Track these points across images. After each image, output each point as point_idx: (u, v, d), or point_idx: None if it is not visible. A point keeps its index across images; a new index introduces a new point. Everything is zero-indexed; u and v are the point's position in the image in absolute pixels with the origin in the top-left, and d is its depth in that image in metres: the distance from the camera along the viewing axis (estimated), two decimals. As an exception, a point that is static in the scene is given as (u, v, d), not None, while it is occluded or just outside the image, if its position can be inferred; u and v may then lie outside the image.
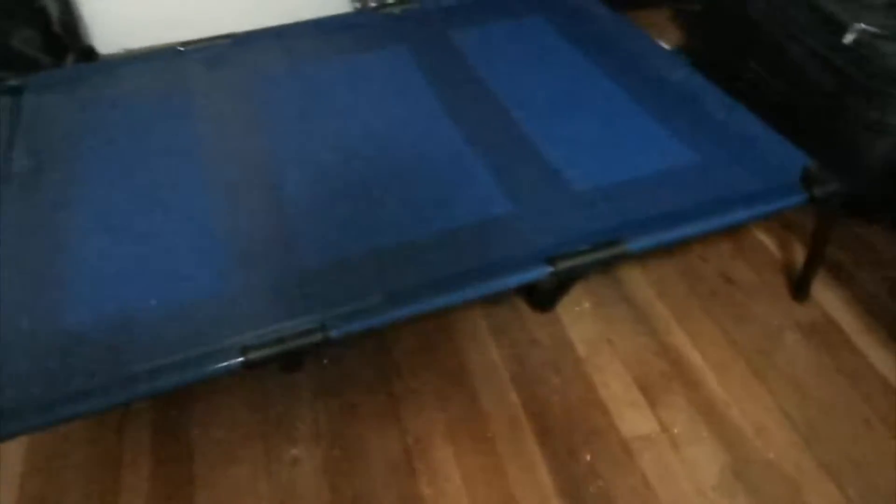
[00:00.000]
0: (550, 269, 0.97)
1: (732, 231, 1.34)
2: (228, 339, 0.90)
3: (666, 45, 1.75)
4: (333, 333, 0.90)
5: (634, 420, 1.06)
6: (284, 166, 1.20)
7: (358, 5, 1.61)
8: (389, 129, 1.28)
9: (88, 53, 1.89)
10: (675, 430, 1.04)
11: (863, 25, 1.26)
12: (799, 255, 1.28)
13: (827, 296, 1.23)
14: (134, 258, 1.04)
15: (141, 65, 1.50)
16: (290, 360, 0.93)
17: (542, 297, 1.17)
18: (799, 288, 1.22)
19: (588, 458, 1.02)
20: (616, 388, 1.10)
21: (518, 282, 0.97)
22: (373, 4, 1.61)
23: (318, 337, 0.90)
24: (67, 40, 1.77)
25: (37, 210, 1.13)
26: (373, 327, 0.93)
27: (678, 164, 1.15)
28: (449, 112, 1.30)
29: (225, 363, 0.87)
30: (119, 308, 0.96)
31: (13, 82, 1.42)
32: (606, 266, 1.03)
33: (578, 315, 1.21)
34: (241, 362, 0.87)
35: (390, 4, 1.61)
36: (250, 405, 1.09)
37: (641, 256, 1.26)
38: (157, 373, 0.87)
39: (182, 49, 1.52)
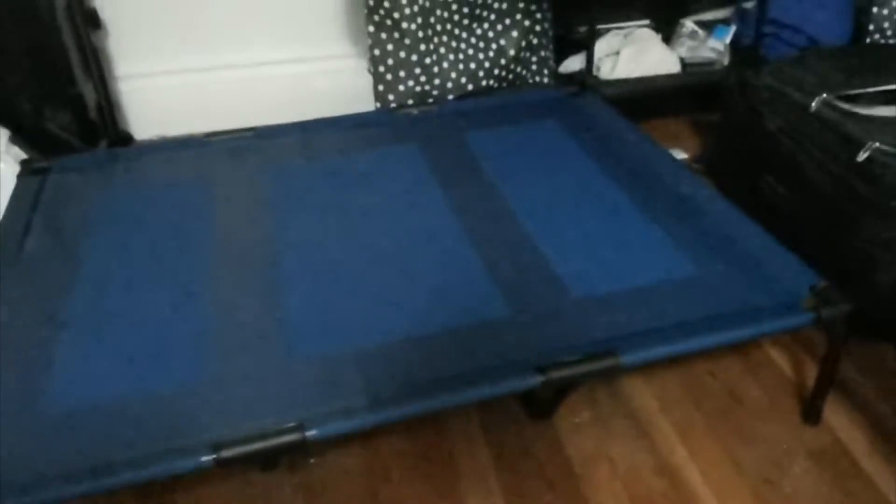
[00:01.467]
0: (542, 378, 0.94)
1: (742, 346, 1.30)
2: (201, 435, 0.88)
3: (682, 154, 1.76)
4: (311, 434, 0.87)
5: (630, 545, 0.99)
6: (287, 258, 1.21)
7: (379, 105, 1.66)
8: (395, 226, 1.29)
9: (125, 139, 1.97)
10: (673, 560, 0.98)
11: (877, 144, 1.25)
12: (811, 373, 1.23)
13: (838, 418, 1.16)
14: (122, 346, 1.04)
15: (164, 152, 1.56)
16: (268, 459, 0.90)
17: (539, 405, 1.13)
18: (809, 411, 1.16)
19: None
20: (611, 510, 1.04)
21: (509, 389, 0.95)
22: (393, 105, 1.65)
23: (294, 437, 0.87)
24: (102, 126, 1.85)
25: (37, 293, 1.15)
26: (354, 430, 0.90)
27: (681, 276, 1.13)
28: (456, 211, 1.31)
29: (195, 460, 0.85)
30: (101, 397, 0.95)
31: (41, 164, 1.48)
32: (601, 377, 1.00)
33: (576, 427, 1.16)
34: (213, 460, 0.85)
35: (409, 106, 1.66)
36: (231, 500, 1.06)
37: (645, 368, 1.22)
38: (129, 465, 0.85)
39: (206, 139, 1.57)
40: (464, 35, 1.67)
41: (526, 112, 1.65)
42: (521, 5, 1.68)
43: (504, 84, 1.75)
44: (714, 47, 1.93)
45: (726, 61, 1.93)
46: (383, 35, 1.60)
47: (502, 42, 1.71)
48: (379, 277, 1.16)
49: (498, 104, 1.68)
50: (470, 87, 1.70)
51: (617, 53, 1.84)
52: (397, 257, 1.21)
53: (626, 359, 0.96)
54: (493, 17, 1.68)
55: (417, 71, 1.64)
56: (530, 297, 1.10)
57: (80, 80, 1.75)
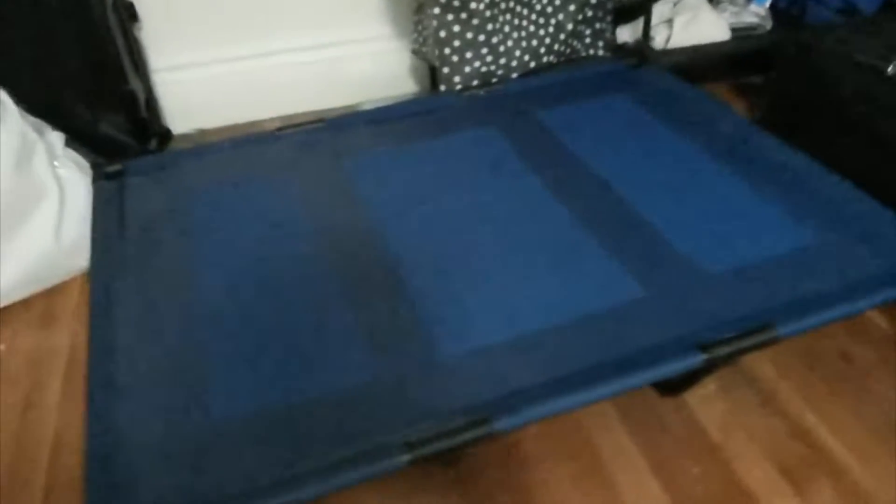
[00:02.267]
0: (705, 356, 0.95)
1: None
2: (391, 436, 0.87)
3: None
4: (499, 426, 0.88)
5: (785, 510, 1.03)
6: (400, 252, 1.19)
7: (443, 87, 1.64)
8: (501, 213, 1.28)
9: (165, 135, 1.92)
10: (828, 521, 1.01)
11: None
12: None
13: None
14: (271, 350, 1.02)
15: (235, 149, 1.52)
16: (450, 455, 0.90)
17: (675, 383, 1.15)
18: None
19: (745, 552, 0.98)
20: (759, 475, 1.07)
21: (674, 370, 0.96)
22: (458, 87, 1.63)
23: (483, 430, 0.87)
24: (151, 123, 1.80)
25: (159, 299, 1.12)
26: (537, 418, 0.91)
27: (803, 245, 1.15)
28: (557, 194, 1.31)
29: (391, 461, 0.85)
30: (264, 405, 0.94)
31: (115, 167, 1.44)
32: (757, 350, 1.02)
33: (704, 399, 1.19)
34: (409, 460, 0.85)
35: (474, 87, 1.64)
36: (384, 498, 1.06)
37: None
38: (318, 475, 0.84)
39: (276, 132, 1.54)
40: (525, 12, 1.65)
41: (592, 87, 1.64)
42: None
43: (562, 59, 1.74)
44: (756, 12, 1.94)
45: (769, 26, 1.94)
46: (450, 16, 1.57)
47: (560, 17, 1.70)
48: (501, 266, 1.16)
49: (562, 80, 1.67)
50: (532, 64, 1.69)
51: (667, 22, 1.84)
52: (512, 245, 1.20)
53: (783, 330, 0.98)
54: (551, -9, 1.67)
55: (484, 51, 1.62)
56: (663, 278, 1.11)
57: (131, 76, 1.69)
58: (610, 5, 1.75)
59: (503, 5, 1.60)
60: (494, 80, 1.67)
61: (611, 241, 1.19)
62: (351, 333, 1.05)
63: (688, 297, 1.07)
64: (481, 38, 1.60)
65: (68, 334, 1.42)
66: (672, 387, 1.17)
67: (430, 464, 0.86)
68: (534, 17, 1.66)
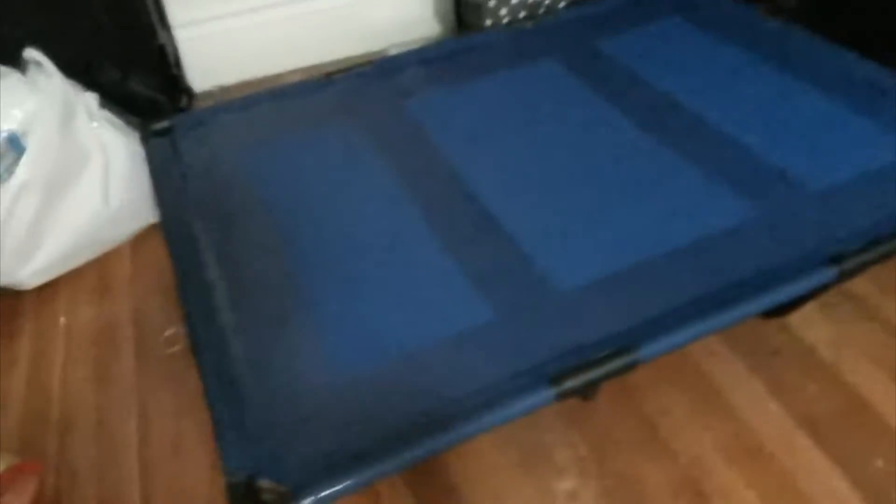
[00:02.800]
0: (837, 269, 0.93)
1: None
2: (536, 372, 0.84)
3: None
4: (644, 354, 0.85)
5: (910, 421, 1.01)
6: (487, 191, 1.14)
7: (490, 21, 1.57)
8: (581, 146, 1.23)
9: (188, 93, 1.84)
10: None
11: None
12: None
13: None
14: (383, 299, 0.98)
15: (286, 98, 1.45)
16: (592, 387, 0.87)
17: (783, 305, 1.12)
18: None
19: (880, 463, 0.97)
20: (878, 389, 1.06)
21: (807, 286, 0.93)
22: (505, 21, 1.57)
23: (628, 359, 0.84)
24: (180, 80, 1.72)
25: (246, 254, 1.07)
26: (678, 346, 0.88)
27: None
28: (639, 124, 1.26)
29: (539, 396, 0.82)
30: (388, 355, 0.90)
31: (163, 124, 1.36)
32: (884, 261, 1.00)
33: (807, 319, 1.16)
34: (556, 394, 0.82)
35: (522, 20, 1.58)
36: (494, 438, 1.03)
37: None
38: (464, 417, 0.81)
39: (325, 78, 1.47)
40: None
41: (645, 11, 1.58)
42: None
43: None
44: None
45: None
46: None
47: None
48: (594, 200, 1.12)
49: (611, 7, 1.61)
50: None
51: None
52: (601, 177, 1.16)
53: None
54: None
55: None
56: (773, 196, 1.07)
57: (160, 30, 1.60)
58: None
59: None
60: (542, 10, 1.60)
61: (707, 164, 1.15)
62: (457, 275, 1.00)
63: (803, 212, 1.04)
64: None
65: (127, 304, 1.36)
66: (778, 310, 1.14)
67: (568, 397, 0.83)
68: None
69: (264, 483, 0.76)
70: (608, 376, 0.84)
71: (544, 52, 1.48)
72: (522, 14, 1.60)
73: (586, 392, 0.86)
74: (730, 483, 0.96)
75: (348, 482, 0.75)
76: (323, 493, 0.74)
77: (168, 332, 1.27)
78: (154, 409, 1.15)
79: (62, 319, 1.34)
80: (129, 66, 1.57)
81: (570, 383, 0.82)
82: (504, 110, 1.33)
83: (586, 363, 0.84)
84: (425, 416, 0.80)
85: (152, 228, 1.46)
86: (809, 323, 1.16)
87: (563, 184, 1.15)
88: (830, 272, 0.93)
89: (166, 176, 1.23)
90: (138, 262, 1.45)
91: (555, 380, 0.82)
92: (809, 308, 1.18)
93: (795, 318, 1.16)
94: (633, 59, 1.42)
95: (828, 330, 1.15)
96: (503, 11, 1.58)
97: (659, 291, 0.94)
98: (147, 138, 1.34)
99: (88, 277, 1.42)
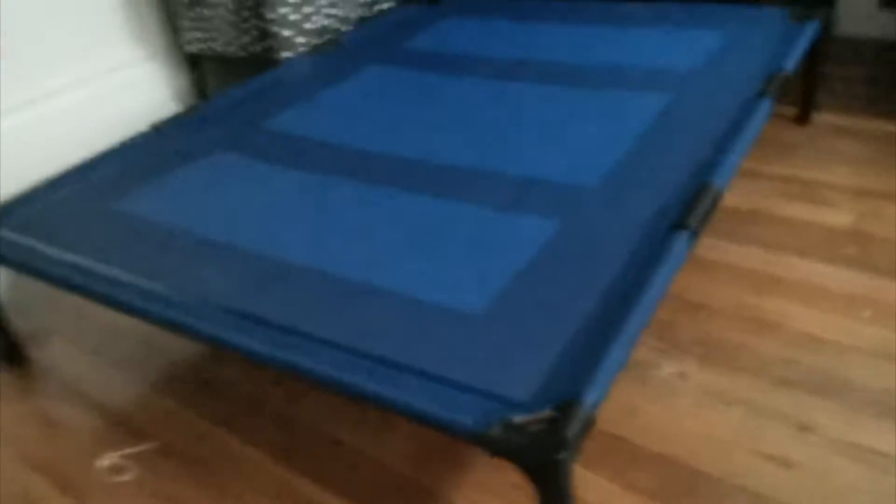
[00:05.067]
0: (771, 97, 1.09)
1: None
2: (664, 218, 0.82)
3: None
4: (720, 185, 0.89)
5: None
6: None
7: (286, 54, 1.51)
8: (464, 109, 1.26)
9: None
10: None
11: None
12: None
13: None
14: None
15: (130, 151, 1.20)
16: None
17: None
18: None
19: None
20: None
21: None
22: (301, 48, 1.53)
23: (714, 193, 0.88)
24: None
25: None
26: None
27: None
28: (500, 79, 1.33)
29: (683, 240, 0.80)
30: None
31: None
32: None
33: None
34: (691, 233, 0.81)
35: (323, 45, 1.55)
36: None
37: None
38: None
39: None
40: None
41: (427, 17, 1.68)
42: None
43: (370, 9, 1.74)
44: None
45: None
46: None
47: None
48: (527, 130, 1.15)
49: (388, 22, 1.68)
50: (358, 14, 1.66)
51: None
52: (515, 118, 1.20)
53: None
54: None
55: (323, 2, 1.54)
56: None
57: None
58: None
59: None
60: (330, 35, 1.60)
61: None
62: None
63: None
64: (318, -12, 1.52)
65: None
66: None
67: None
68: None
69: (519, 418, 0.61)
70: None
71: (366, 59, 1.48)
72: (318, 40, 1.57)
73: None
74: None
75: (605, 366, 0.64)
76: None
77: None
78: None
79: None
80: None
81: (700, 225, 0.82)
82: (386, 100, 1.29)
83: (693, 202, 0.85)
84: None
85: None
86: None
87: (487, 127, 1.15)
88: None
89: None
90: None
91: (680, 225, 0.81)
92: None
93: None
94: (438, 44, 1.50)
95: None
96: (300, 39, 1.54)
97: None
98: None
99: None
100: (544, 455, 0.58)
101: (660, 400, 0.91)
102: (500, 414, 0.62)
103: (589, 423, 0.60)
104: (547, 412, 0.62)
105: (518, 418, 0.61)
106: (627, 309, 0.70)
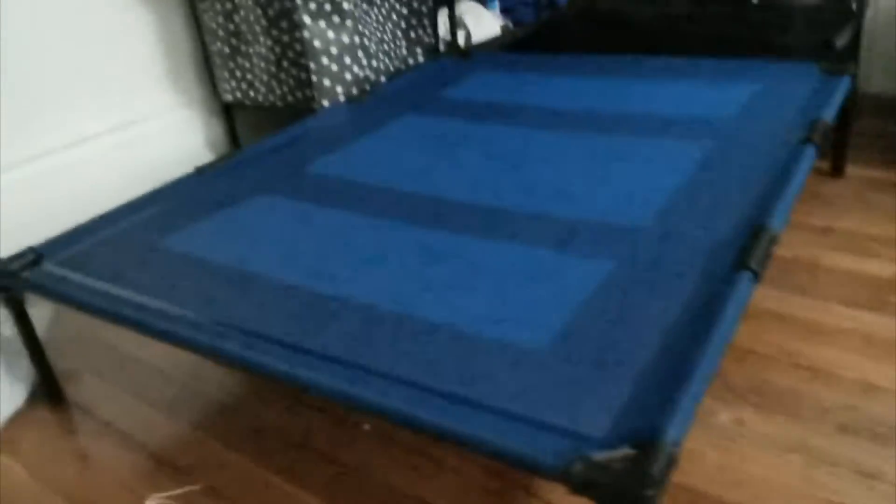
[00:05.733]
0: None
1: None
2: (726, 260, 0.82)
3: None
4: (776, 229, 0.89)
5: None
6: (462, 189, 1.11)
7: (325, 102, 1.54)
8: (506, 153, 1.27)
9: None
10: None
11: None
12: None
13: None
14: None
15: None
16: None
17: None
18: None
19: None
20: None
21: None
22: (341, 97, 1.55)
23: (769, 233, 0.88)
24: None
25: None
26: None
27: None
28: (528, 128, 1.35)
29: (744, 281, 0.80)
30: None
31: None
32: None
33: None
34: (754, 275, 0.81)
35: (356, 95, 1.58)
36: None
37: None
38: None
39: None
40: (374, 16, 1.66)
41: (447, 73, 1.72)
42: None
43: (399, 64, 1.77)
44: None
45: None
46: (322, 23, 1.50)
47: (390, 25, 1.74)
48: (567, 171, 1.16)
49: (420, 76, 1.71)
50: (392, 67, 1.70)
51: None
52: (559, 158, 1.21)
53: None
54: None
55: (360, 55, 1.57)
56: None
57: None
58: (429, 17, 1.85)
59: (360, 9, 1.59)
60: (366, 86, 1.63)
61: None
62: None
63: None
64: (356, 39, 1.56)
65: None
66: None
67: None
68: (375, 24, 1.68)
69: (600, 456, 0.60)
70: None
71: (402, 108, 1.51)
72: (354, 91, 1.60)
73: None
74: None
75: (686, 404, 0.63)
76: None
77: None
78: None
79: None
80: None
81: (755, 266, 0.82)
82: (421, 146, 1.31)
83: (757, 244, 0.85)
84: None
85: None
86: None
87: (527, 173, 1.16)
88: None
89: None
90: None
91: (742, 265, 0.81)
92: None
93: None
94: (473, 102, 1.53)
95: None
96: (339, 88, 1.57)
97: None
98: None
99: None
100: (631, 492, 0.57)
101: (720, 446, 0.90)
102: (576, 451, 0.61)
103: (673, 461, 0.59)
104: (627, 450, 0.61)
105: (598, 456, 0.60)
106: (701, 345, 0.69)
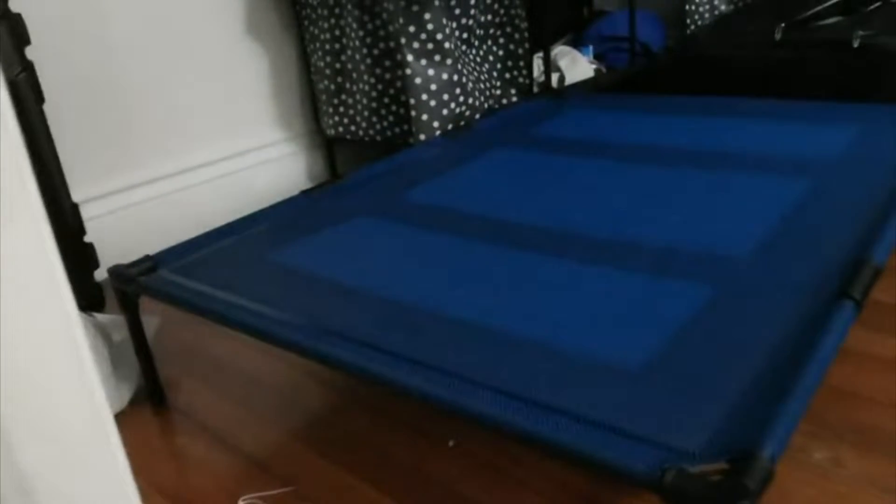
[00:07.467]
0: None
1: None
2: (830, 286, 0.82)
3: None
4: (878, 262, 0.87)
5: None
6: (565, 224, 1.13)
7: (422, 136, 1.60)
8: (607, 192, 1.29)
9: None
10: None
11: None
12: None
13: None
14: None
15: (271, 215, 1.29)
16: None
17: None
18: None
19: None
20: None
21: None
22: (437, 132, 1.62)
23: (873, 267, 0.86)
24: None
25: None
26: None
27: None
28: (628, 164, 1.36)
29: (844, 309, 0.79)
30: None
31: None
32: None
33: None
34: (856, 304, 0.80)
35: (450, 131, 1.64)
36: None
37: None
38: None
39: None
40: (472, 56, 1.73)
41: (539, 114, 1.76)
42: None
43: (492, 103, 1.83)
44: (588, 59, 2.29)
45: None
46: (423, 61, 1.58)
47: (486, 66, 1.80)
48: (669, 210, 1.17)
49: (518, 113, 1.76)
50: (486, 105, 1.76)
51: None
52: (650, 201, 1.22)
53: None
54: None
55: (457, 91, 1.64)
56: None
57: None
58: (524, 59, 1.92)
59: (459, 49, 1.67)
60: (462, 122, 1.69)
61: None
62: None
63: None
64: (455, 77, 1.63)
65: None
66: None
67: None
68: (472, 64, 1.75)
69: (694, 468, 0.60)
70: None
71: (496, 143, 1.55)
72: (450, 126, 1.66)
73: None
74: None
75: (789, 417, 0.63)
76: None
77: None
78: None
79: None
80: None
81: (856, 294, 0.81)
82: (513, 178, 1.35)
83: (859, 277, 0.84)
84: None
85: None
86: None
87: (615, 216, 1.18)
88: None
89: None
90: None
91: (843, 293, 0.80)
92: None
93: None
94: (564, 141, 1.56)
95: None
96: (436, 124, 1.63)
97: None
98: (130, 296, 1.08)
99: None
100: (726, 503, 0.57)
101: (815, 484, 0.87)
102: (670, 462, 0.61)
103: (769, 476, 0.59)
104: (722, 463, 0.61)
105: (693, 468, 0.60)
106: (800, 366, 0.68)
